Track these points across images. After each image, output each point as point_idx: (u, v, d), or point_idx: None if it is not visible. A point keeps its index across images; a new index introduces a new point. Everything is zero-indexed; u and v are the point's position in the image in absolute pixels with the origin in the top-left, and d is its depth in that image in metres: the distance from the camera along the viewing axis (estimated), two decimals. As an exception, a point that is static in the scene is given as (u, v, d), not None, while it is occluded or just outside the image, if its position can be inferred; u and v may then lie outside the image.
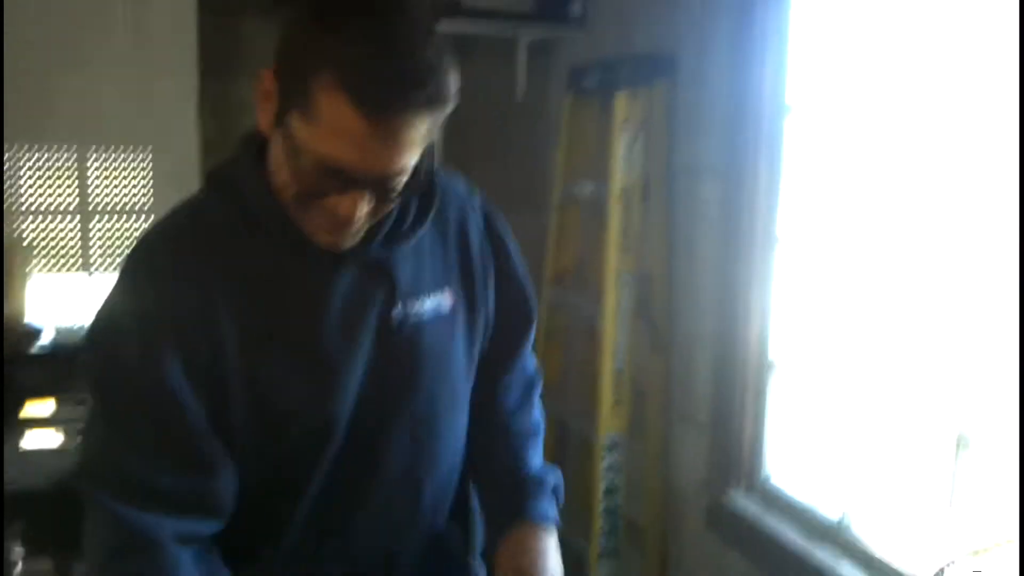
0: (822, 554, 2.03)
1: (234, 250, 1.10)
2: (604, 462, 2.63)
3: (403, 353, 1.19)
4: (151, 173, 3.06)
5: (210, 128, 3.07)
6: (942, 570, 1.66)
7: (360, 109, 0.94)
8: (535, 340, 1.46)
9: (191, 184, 3.29)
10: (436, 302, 1.22)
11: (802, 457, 2.23)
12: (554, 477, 1.37)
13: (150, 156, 3.05)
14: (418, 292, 1.20)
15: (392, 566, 1.28)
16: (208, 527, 1.13)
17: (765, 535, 2.19)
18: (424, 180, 1.12)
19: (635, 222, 2.57)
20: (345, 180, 0.99)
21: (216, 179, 1.15)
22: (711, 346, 2.40)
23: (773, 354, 2.27)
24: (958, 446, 1.73)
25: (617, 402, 2.63)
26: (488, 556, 1.38)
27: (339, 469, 1.19)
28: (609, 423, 2.63)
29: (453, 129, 3.27)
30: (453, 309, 1.24)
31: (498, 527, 1.32)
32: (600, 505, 2.65)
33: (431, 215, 1.19)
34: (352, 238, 1.09)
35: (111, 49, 2.94)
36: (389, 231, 1.15)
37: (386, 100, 0.94)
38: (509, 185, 3.40)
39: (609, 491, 2.65)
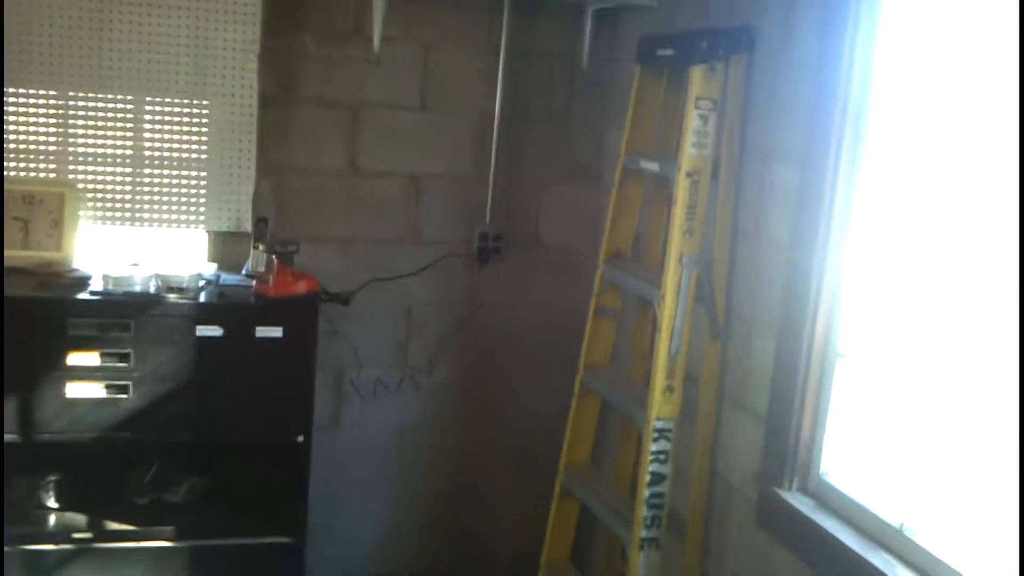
0: (878, 559, 1.94)
1: None
2: (652, 448, 2.55)
3: None
4: (206, 126, 3.02)
5: (268, 82, 3.04)
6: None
7: None
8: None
9: (247, 138, 3.26)
10: None
11: (864, 456, 2.13)
12: None
13: (206, 110, 3.01)
14: None
15: None
16: None
17: (817, 535, 2.09)
18: None
19: (701, 203, 2.47)
20: None
21: None
22: (773, 333, 2.30)
23: (842, 345, 2.17)
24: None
25: (669, 387, 2.55)
26: None
27: None
28: (660, 408, 2.55)
29: (511, 93, 3.20)
30: None
31: None
32: (644, 492, 2.57)
33: None
34: None
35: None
36: None
37: None
38: (566, 155, 3.32)
39: (655, 479, 2.57)
